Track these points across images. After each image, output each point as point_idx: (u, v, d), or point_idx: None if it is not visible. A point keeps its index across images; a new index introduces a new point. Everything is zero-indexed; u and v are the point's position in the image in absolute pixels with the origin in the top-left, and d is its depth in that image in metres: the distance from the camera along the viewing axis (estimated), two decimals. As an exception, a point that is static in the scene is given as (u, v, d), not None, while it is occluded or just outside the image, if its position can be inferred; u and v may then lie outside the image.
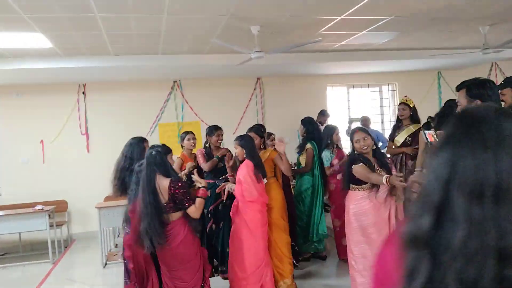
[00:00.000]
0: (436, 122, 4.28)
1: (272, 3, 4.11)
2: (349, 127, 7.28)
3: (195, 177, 3.44)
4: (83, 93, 7.17)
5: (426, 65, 7.99)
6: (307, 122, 5.22)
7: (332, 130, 5.09)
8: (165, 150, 3.30)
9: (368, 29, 5.36)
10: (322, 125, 6.78)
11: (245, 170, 3.83)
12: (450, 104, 4.13)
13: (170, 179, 3.12)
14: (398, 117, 5.07)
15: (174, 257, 3.16)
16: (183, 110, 7.56)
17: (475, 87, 2.57)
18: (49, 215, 5.90)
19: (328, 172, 4.92)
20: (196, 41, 5.43)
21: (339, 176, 4.81)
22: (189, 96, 7.58)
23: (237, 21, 4.60)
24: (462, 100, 2.60)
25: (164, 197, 3.07)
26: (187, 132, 4.93)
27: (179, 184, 3.12)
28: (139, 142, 3.86)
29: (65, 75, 6.38)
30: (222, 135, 4.85)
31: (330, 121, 7.27)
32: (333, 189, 5.08)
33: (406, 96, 5.18)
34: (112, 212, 5.43)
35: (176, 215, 3.14)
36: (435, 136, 3.52)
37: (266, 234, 3.92)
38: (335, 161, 4.92)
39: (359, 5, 4.31)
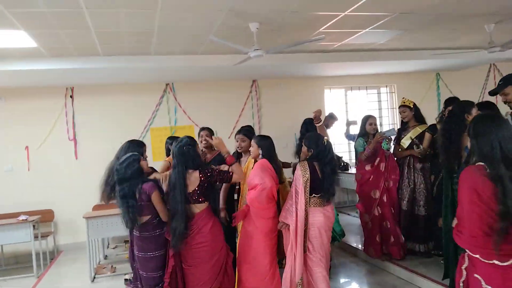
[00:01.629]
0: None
1: (273, -3, 3.86)
2: (347, 130, 7.04)
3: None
4: (70, 96, 6.81)
5: (424, 66, 7.81)
6: (307, 124, 5.01)
7: (365, 119, 5.02)
8: (194, 142, 3.39)
9: (371, 27, 5.13)
10: (328, 128, 6.54)
11: (263, 171, 3.54)
12: (458, 103, 3.83)
13: (198, 170, 3.24)
14: (402, 121, 4.91)
15: (198, 252, 3.21)
16: (176, 114, 7.25)
17: None
18: (34, 226, 5.53)
19: (362, 157, 4.85)
20: (190, 41, 5.14)
21: (367, 167, 4.72)
22: (182, 99, 7.27)
23: (235, 18, 4.33)
24: None
25: (190, 188, 3.22)
26: (173, 138, 4.71)
27: (209, 169, 3.30)
28: (138, 146, 3.57)
29: (52, 77, 6.03)
30: (206, 135, 4.58)
31: (336, 124, 7.03)
32: (359, 179, 4.96)
33: (404, 97, 5.02)
34: (101, 222, 5.09)
35: (200, 207, 3.25)
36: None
37: (275, 242, 3.64)
38: (367, 150, 4.80)
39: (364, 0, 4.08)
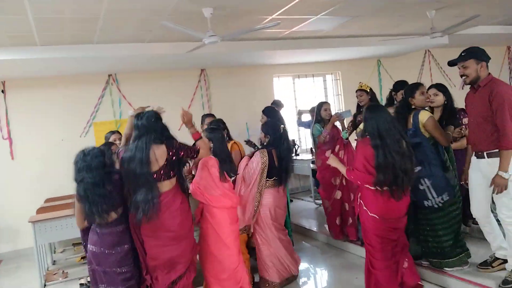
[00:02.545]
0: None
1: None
2: (299, 118, 7.10)
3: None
4: (2, 91, 6.20)
5: (367, 53, 8.06)
6: (269, 111, 4.94)
7: (320, 105, 5.14)
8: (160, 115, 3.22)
9: (322, 13, 5.17)
10: None
11: (205, 169, 3.44)
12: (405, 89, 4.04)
13: (164, 144, 3.06)
14: (358, 104, 5.00)
15: (166, 231, 3.07)
16: (120, 107, 6.87)
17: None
18: (-31, 235, 5.01)
19: (321, 139, 4.87)
20: (138, 28, 4.86)
21: (328, 153, 4.72)
22: (127, 91, 6.91)
23: (189, 2, 4.14)
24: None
25: (158, 163, 3.03)
26: (112, 132, 4.65)
27: (176, 142, 3.15)
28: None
29: (-21, 70, 5.45)
30: None
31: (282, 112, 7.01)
32: (319, 165, 4.97)
33: (361, 82, 5.11)
34: (50, 225, 4.69)
35: (167, 185, 3.10)
36: None
37: (237, 232, 3.56)
38: (325, 132, 4.86)
39: (320, -15, 4.09)
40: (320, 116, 5.09)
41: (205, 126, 4.45)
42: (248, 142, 4.99)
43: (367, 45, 7.13)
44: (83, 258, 5.44)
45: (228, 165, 3.56)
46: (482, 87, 3.17)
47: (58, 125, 6.43)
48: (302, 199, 7.50)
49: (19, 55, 5.06)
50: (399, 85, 4.57)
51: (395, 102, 4.59)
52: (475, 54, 3.20)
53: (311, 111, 7.33)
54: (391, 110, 4.48)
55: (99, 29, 4.70)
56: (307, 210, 6.75)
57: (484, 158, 3.18)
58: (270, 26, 4.52)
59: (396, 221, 3.20)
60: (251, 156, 4.00)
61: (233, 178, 3.73)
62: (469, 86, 3.31)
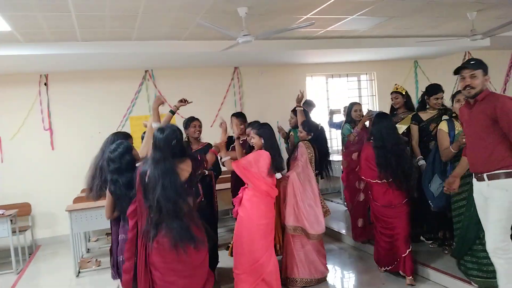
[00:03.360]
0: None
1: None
2: (331, 118, 7.05)
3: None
4: (45, 84, 6.49)
5: (403, 54, 7.89)
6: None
7: (350, 106, 5.14)
8: (181, 134, 2.94)
9: (358, 13, 5.11)
10: None
11: (260, 160, 3.52)
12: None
13: (189, 158, 2.88)
14: (392, 106, 4.91)
15: (179, 262, 2.73)
16: (156, 102, 7.03)
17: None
18: (11, 220, 5.28)
19: (351, 138, 4.89)
20: (175, 26, 4.97)
21: (354, 156, 4.75)
22: (162, 87, 7.07)
23: (224, 2, 4.20)
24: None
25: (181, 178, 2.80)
26: (192, 119, 4.53)
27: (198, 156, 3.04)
28: (124, 138, 3.39)
29: (25, 63, 5.71)
30: (199, 125, 4.49)
31: (314, 111, 6.99)
32: (345, 166, 5.01)
33: (396, 84, 5.03)
34: (85, 215, 4.89)
35: (190, 201, 2.80)
36: None
37: (270, 228, 3.61)
38: (355, 130, 4.92)
39: (356, -15, 4.05)
40: (350, 116, 5.06)
41: (196, 130, 4.44)
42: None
43: (403, 46, 6.98)
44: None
45: (277, 161, 3.61)
46: (480, 101, 2.88)
47: (96, 118, 6.66)
48: (332, 201, 7.45)
49: (62, 50, 5.28)
50: (433, 88, 4.46)
51: (427, 106, 4.49)
52: (484, 66, 2.93)
53: (343, 111, 7.30)
54: (423, 115, 4.42)
55: (137, 26, 4.84)
56: (336, 212, 6.69)
57: (484, 180, 2.88)
58: (304, 26, 4.51)
59: (389, 208, 3.88)
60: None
61: (278, 174, 3.72)
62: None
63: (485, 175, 2.86)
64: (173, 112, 4.36)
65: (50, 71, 6.42)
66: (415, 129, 4.51)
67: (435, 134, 4.19)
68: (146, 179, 2.73)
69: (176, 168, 2.73)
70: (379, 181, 3.86)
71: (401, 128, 4.60)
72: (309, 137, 4.11)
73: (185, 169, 2.80)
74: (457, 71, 2.97)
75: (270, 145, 3.61)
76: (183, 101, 4.11)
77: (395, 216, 3.87)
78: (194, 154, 3.27)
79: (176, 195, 2.67)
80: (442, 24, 6.07)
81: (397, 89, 4.86)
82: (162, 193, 2.63)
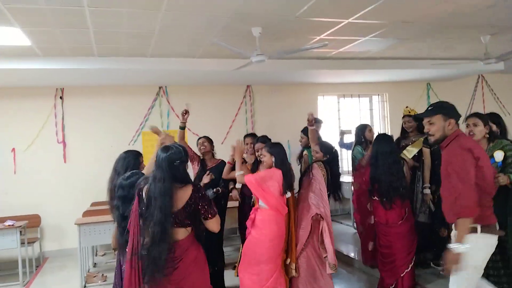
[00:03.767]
0: None
1: (280, 2, 3.80)
2: (341, 139, 7.02)
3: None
4: (60, 97, 6.61)
5: (416, 76, 7.88)
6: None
7: (364, 127, 5.16)
8: (187, 156, 2.73)
9: (371, 35, 5.14)
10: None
11: (272, 177, 3.53)
12: None
13: (192, 185, 2.63)
14: (403, 129, 4.85)
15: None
16: (168, 118, 7.11)
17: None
18: (21, 232, 5.31)
19: (363, 162, 4.81)
20: (190, 44, 5.04)
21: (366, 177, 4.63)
22: (175, 103, 7.14)
23: (239, 22, 4.26)
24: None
25: (176, 206, 2.56)
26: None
27: (202, 189, 2.71)
28: (135, 157, 3.41)
29: (42, 77, 5.83)
30: (205, 142, 4.71)
31: (322, 130, 6.98)
32: (357, 188, 4.95)
33: (407, 107, 4.98)
34: (94, 229, 4.91)
35: (184, 232, 2.58)
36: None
37: (280, 249, 3.58)
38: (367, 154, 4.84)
39: (370, 8, 4.08)
40: (363, 137, 5.04)
41: (201, 147, 4.68)
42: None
43: (416, 68, 6.98)
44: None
45: (289, 180, 3.62)
46: (445, 147, 2.70)
47: (109, 132, 6.74)
48: (341, 223, 7.36)
49: (78, 65, 5.39)
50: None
51: None
52: (445, 109, 2.72)
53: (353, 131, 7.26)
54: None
55: (153, 43, 4.93)
56: (345, 234, 6.61)
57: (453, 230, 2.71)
58: (317, 47, 4.55)
59: (385, 227, 4.00)
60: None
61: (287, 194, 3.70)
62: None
63: (453, 226, 2.69)
64: (182, 128, 4.46)
65: (66, 85, 6.54)
66: (427, 152, 4.46)
67: None
68: (144, 195, 2.62)
69: (172, 193, 2.54)
70: (373, 197, 4.12)
71: (412, 151, 4.55)
72: (325, 158, 4.10)
73: (182, 197, 2.57)
74: (417, 119, 2.88)
75: (281, 164, 3.61)
76: (184, 113, 4.38)
77: (392, 235, 3.98)
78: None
79: (165, 219, 2.48)
80: (455, 46, 6.07)
81: (409, 112, 4.79)
82: (154, 213, 2.49)
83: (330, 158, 4.12)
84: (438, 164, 4.33)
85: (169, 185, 2.54)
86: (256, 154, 4.28)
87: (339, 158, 8.01)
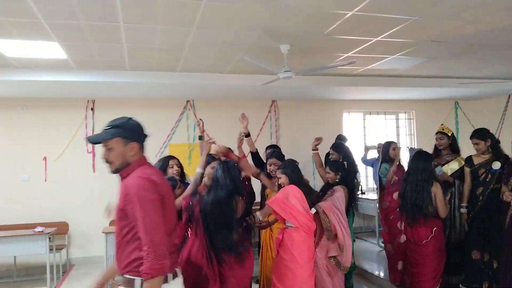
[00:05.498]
0: None
1: (309, 20, 3.86)
2: (365, 155, 6.99)
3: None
4: (91, 109, 6.82)
5: (444, 95, 7.79)
6: (339, 148, 5.00)
7: (388, 144, 5.14)
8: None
9: (399, 53, 5.13)
10: None
11: (289, 194, 3.45)
12: None
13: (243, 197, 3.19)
14: (436, 147, 4.75)
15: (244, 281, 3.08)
16: (194, 131, 7.23)
17: None
18: (50, 238, 5.46)
19: (389, 177, 4.89)
20: (218, 59, 5.15)
21: (395, 196, 4.52)
22: (202, 117, 7.14)
23: (268, 38, 4.34)
24: None
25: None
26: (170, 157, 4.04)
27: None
28: (163, 160, 3.59)
29: (75, 89, 6.05)
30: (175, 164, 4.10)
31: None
32: (386, 207, 4.89)
33: (442, 124, 4.90)
34: (120, 237, 4.99)
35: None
36: None
37: (311, 270, 3.49)
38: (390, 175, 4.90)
39: (399, 26, 4.09)
40: (388, 155, 5.00)
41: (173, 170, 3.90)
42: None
43: (444, 86, 6.91)
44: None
45: (312, 198, 3.63)
46: (124, 177, 2.19)
47: (136, 144, 6.88)
48: (365, 240, 7.27)
49: (110, 78, 5.57)
50: (473, 133, 4.37)
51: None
52: (122, 130, 2.17)
53: (378, 147, 7.20)
54: (475, 159, 4.29)
55: (183, 58, 5.05)
56: (370, 252, 6.52)
57: None
58: (345, 64, 4.58)
59: (413, 244, 3.94)
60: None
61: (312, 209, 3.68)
62: None
63: None
64: (200, 138, 4.37)
65: (97, 97, 6.75)
66: (467, 172, 4.39)
67: (483, 180, 4.10)
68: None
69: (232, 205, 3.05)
70: (400, 213, 4.10)
71: (453, 169, 4.48)
72: (337, 177, 4.04)
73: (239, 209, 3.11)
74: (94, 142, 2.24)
75: (298, 182, 3.57)
76: (199, 123, 4.34)
77: (418, 254, 3.91)
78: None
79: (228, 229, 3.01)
80: (485, 66, 5.99)
81: (443, 129, 4.68)
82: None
83: (344, 176, 4.06)
84: (475, 186, 4.31)
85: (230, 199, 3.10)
86: (268, 168, 4.22)
87: (363, 174, 8.07)
